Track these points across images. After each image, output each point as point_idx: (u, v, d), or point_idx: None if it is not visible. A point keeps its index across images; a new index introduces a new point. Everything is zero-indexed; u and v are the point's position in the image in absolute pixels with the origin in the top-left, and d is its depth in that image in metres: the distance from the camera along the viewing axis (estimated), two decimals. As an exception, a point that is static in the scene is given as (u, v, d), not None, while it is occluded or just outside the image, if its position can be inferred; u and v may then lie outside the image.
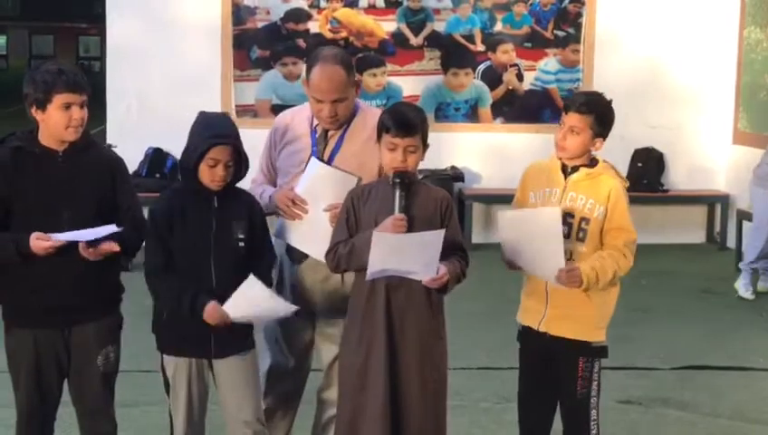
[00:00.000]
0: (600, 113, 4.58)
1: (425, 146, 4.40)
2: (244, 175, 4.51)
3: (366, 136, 4.71)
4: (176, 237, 4.40)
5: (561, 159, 4.64)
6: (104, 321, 4.54)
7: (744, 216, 10.71)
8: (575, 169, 4.61)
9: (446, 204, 4.45)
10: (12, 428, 4.65)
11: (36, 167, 4.37)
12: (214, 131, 4.39)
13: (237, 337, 4.50)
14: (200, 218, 4.42)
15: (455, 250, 4.41)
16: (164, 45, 11.57)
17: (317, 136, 4.83)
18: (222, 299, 4.32)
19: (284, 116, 5.05)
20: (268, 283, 4.50)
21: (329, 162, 4.76)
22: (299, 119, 4.92)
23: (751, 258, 9.73)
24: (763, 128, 11.40)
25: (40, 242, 4.24)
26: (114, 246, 4.33)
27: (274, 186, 4.92)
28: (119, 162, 4.61)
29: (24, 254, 4.27)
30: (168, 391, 4.57)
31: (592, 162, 4.65)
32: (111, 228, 4.31)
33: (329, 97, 4.66)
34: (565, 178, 4.62)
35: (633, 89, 11.78)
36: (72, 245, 4.29)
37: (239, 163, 4.43)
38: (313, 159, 4.73)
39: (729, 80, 12.06)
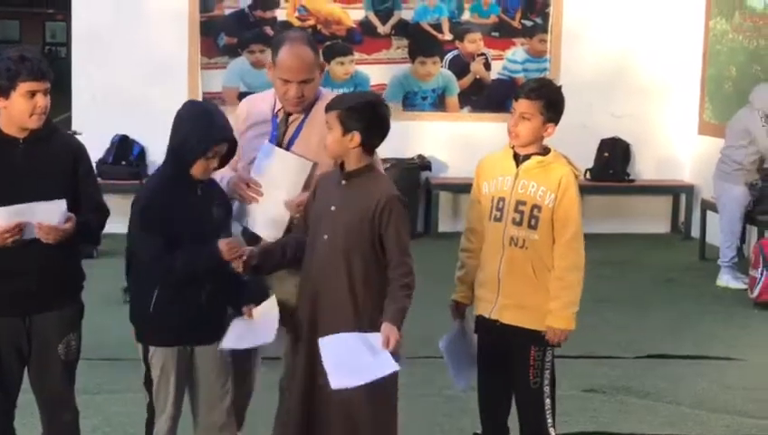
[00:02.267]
0: (549, 98, 4.63)
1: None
2: (227, 162, 4.57)
3: (325, 122, 4.73)
4: (166, 227, 4.36)
5: (513, 147, 4.70)
6: (66, 309, 4.52)
7: (708, 206, 10.79)
8: (527, 157, 4.66)
9: (382, 205, 4.35)
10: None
11: None
12: (216, 127, 4.41)
13: (220, 326, 4.51)
14: (189, 208, 4.41)
15: (396, 262, 4.35)
16: (130, 32, 11.51)
17: (278, 121, 4.84)
18: (211, 286, 4.41)
19: (246, 102, 5.08)
20: None
21: (288, 147, 4.78)
22: (261, 104, 4.93)
23: (730, 256, 9.79)
24: (728, 119, 11.45)
25: None
26: (69, 226, 4.30)
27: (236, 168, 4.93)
28: (80, 149, 4.57)
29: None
30: (147, 383, 4.51)
31: (545, 151, 4.69)
32: (62, 206, 4.28)
33: (297, 77, 4.67)
34: (517, 166, 4.67)
35: (600, 79, 11.86)
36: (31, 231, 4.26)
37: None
38: (267, 143, 4.76)
39: (695, 71, 12.14)
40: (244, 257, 4.37)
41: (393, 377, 4.43)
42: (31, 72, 4.27)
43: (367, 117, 4.40)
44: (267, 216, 4.76)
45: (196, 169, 4.39)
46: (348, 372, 4.25)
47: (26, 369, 4.55)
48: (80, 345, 4.62)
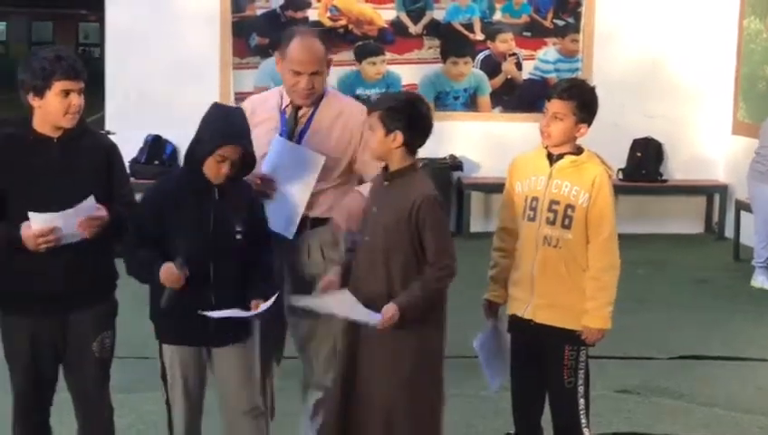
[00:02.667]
0: (582, 99, 4.62)
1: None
2: (248, 173, 4.52)
3: (334, 117, 4.82)
4: (167, 224, 4.39)
5: (546, 147, 4.69)
6: (99, 307, 4.54)
7: (742, 206, 10.72)
8: (560, 157, 4.64)
9: (418, 205, 4.31)
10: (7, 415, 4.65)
11: (31, 154, 4.35)
12: (228, 129, 4.38)
13: (237, 325, 4.48)
14: (198, 209, 4.40)
15: (432, 262, 4.33)
16: (163, 32, 11.56)
17: (287, 117, 4.89)
18: (221, 291, 4.39)
19: (250, 101, 5.15)
20: (268, 273, 4.53)
21: (298, 142, 4.84)
22: (267, 102, 5.00)
23: (765, 256, 9.71)
24: (762, 118, 11.37)
25: (27, 230, 4.24)
26: (102, 212, 4.32)
27: None
28: (113, 148, 4.60)
29: (17, 245, 4.27)
30: (164, 380, 4.57)
31: (578, 150, 4.67)
32: (91, 202, 4.29)
33: (308, 69, 4.75)
34: (551, 166, 4.65)
35: (632, 79, 11.79)
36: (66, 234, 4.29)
37: (245, 160, 4.43)
38: (277, 138, 4.78)
39: (728, 70, 12.06)
40: (181, 283, 4.31)
41: (437, 386, 4.49)
42: (66, 71, 4.29)
43: (408, 116, 4.36)
44: (281, 211, 4.78)
45: (208, 170, 4.38)
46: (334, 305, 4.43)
47: (62, 367, 4.58)
48: (114, 343, 4.64)
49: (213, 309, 4.39)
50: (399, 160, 4.41)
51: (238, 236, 4.44)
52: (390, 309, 4.29)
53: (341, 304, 4.40)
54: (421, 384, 4.45)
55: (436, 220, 4.35)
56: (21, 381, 4.52)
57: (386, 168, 4.47)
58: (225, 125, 4.40)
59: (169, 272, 4.30)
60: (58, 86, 4.28)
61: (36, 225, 4.24)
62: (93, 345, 4.52)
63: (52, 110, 4.31)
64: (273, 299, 4.41)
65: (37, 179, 4.34)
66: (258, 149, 4.80)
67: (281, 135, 4.84)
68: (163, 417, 4.68)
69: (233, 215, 4.45)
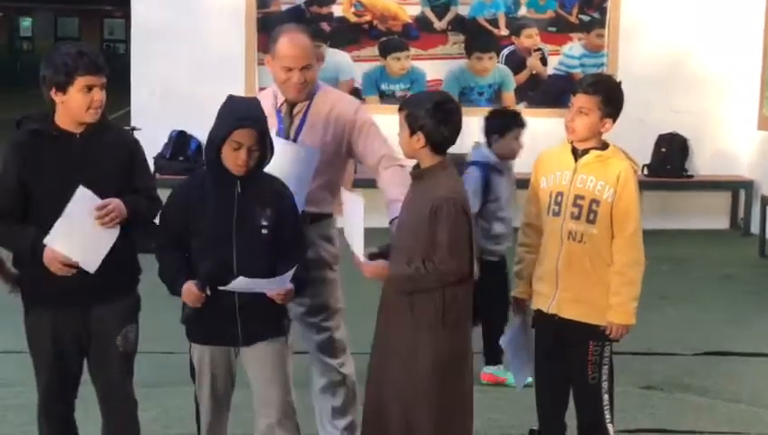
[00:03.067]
0: (607, 94, 4.61)
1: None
2: (269, 161, 4.46)
3: (327, 112, 4.86)
4: (194, 220, 4.37)
5: (572, 142, 4.69)
6: (122, 301, 4.55)
7: None
8: (585, 152, 4.64)
9: (436, 206, 4.27)
10: (23, 408, 4.66)
11: (54, 149, 4.36)
12: (241, 113, 4.34)
13: (267, 323, 4.46)
14: (222, 203, 4.36)
15: (438, 260, 4.27)
16: (188, 28, 11.60)
17: (282, 115, 4.94)
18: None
19: None
20: (298, 272, 4.36)
21: (295, 138, 4.89)
22: (263, 103, 4.93)
23: None
24: (788, 114, 11.36)
25: (49, 253, 4.28)
26: (121, 207, 4.34)
27: None
28: (135, 144, 4.62)
29: (38, 257, 4.30)
30: (193, 378, 4.58)
31: (603, 145, 4.67)
32: (82, 192, 4.29)
33: (299, 63, 4.82)
34: (576, 161, 4.65)
35: (658, 74, 11.74)
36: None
37: (264, 149, 4.39)
38: (274, 137, 4.81)
39: (755, 65, 11.99)
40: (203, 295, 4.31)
41: (460, 394, 4.47)
42: (88, 66, 4.30)
43: (432, 117, 4.36)
44: None
45: (226, 160, 4.32)
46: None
47: (86, 361, 4.60)
48: (137, 337, 4.65)
49: (237, 313, 4.36)
50: (426, 160, 4.42)
51: (264, 231, 4.37)
52: (381, 265, 4.42)
53: (353, 210, 4.49)
54: (440, 390, 4.39)
55: (450, 223, 4.28)
56: (45, 376, 4.54)
57: (416, 166, 4.49)
58: (237, 110, 4.38)
59: (190, 292, 4.30)
60: (81, 81, 4.29)
61: (54, 245, 4.26)
62: (117, 339, 4.53)
63: (74, 105, 4.32)
64: (291, 272, 4.29)
65: (60, 175, 4.35)
66: None
67: (278, 134, 4.87)
68: (188, 411, 4.71)
69: (257, 208, 4.38)
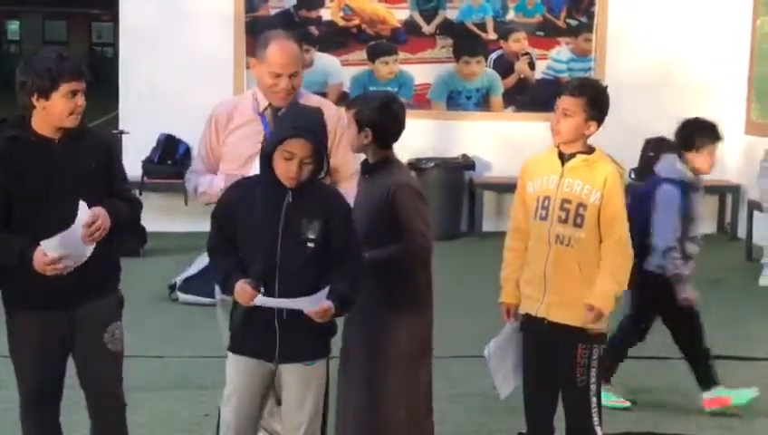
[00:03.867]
0: (592, 96, 4.64)
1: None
2: (326, 175, 4.34)
3: None
4: (240, 225, 4.24)
5: (558, 145, 4.71)
6: (106, 299, 4.54)
7: (755, 206, 10.71)
8: (572, 156, 4.66)
9: (392, 193, 4.59)
10: (8, 412, 4.61)
11: (33, 155, 4.34)
12: (295, 123, 4.21)
13: (308, 341, 4.28)
14: (269, 212, 4.19)
15: (404, 238, 4.58)
16: (177, 32, 11.60)
17: (267, 119, 4.94)
18: (287, 294, 4.16)
19: (226, 104, 5.17)
20: (348, 298, 4.25)
21: None
22: (242, 106, 5.06)
23: None
24: (776, 118, 11.40)
25: (40, 257, 4.24)
26: (102, 220, 4.31)
27: (215, 172, 4.99)
28: (113, 146, 4.63)
29: (26, 264, 4.27)
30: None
31: (590, 150, 4.69)
32: (84, 209, 4.29)
33: (288, 70, 4.86)
34: (562, 165, 4.67)
35: (645, 78, 11.78)
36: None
37: (320, 162, 4.22)
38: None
39: (741, 70, 12.04)
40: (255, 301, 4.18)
41: (427, 369, 4.79)
42: (72, 72, 4.29)
43: (379, 116, 4.65)
44: None
45: (277, 169, 4.17)
46: None
47: (74, 363, 4.58)
48: (123, 336, 4.61)
49: (277, 327, 4.22)
50: (373, 155, 4.71)
51: (310, 244, 4.18)
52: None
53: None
54: (410, 368, 4.73)
55: (408, 204, 4.61)
56: (29, 379, 4.51)
57: (365, 161, 4.76)
58: (292, 119, 4.26)
59: (243, 290, 4.13)
60: (65, 87, 4.28)
61: (50, 252, 4.24)
62: (104, 336, 4.52)
63: (56, 111, 4.30)
64: (325, 291, 4.14)
65: (42, 181, 4.33)
66: (240, 152, 4.87)
67: (266, 137, 4.82)
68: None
69: (305, 220, 4.18)
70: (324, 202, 4.27)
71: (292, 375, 4.29)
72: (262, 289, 4.14)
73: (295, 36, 5.08)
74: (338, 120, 4.96)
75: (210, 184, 4.89)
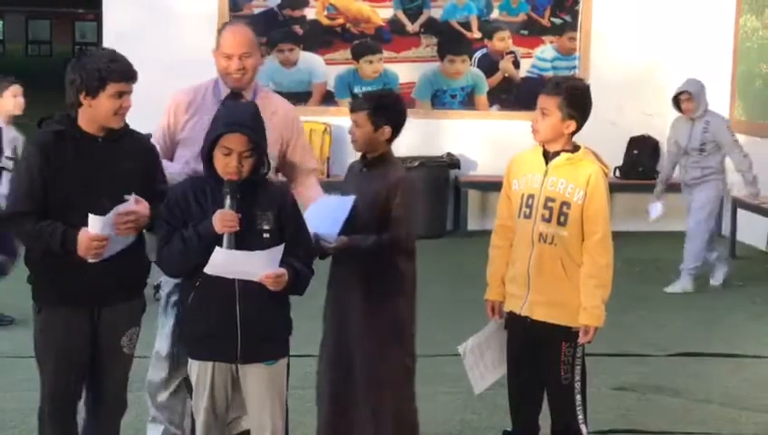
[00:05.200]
0: (568, 95, 4.63)
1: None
2: (268, 169, 4.39)
3: (270, 115, 4.85)
4: (194, 222, 4.26)
5: (541, 144, 4.73)
6: (131, 303, 4.59)
7: (738, 204, 10.74)
8: (556, 154, 4.67)
9: (395, 186, 4.81)
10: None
11: (77, 151, 4.42)
12: (231, 119, 4.28)
13: (268, 341, 4.35)
14: (221, 206, 4.22)
15: (391, 229, 4.80)
16: (161, 31, 11.57)
17: None
18: (246, 292, 4.22)
19: (187, 91, 5.29)
20: (304, 275, 4.33)
21: None
22: (202, 93, 5.20)
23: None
24: (759, 116, 11.44)
25: (84, 234, 4.26)
26: (139, 206, 4.35)
27: (171, 158, 5.11)
28: (153, 150, 4.71)
29: (69, 249, 4.29)
30: (188, 388, 4.53)
31: (574, 148, 4.70)
32: (131, 201, 4.33)
33: (237, 50, 5.02)
34: (546, 163, 4.69)
35: (629, 77, 11.82)
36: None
37: (260, 156, 4.28)
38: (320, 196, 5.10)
39: (725, 68, 12.07)
40: (236, 229, 4.21)
41: (410, 354, 5.00)
42: (122, 73, 4.41)
43: (394, 112, 4.95)
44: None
45: (217, 166, 4.25)
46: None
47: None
48: (137, 341, 4.68)
49: (238, 328, 4.25)
50: (379, 150, 4.91)
51: (266, 235, 4.25)
52: (344, 239, 4.74)
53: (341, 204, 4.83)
54: (393, 354, 4.91)
55: (405, 199, 4.82)
56: (53, 376, 4.52)
57: (363, 156, 4.95)
58: (226, 116, 4.33)
59: (223, 215, 4.16)
60: (113, 88, 4.38)
61: (94, 228, 4.26)
62: (123, 340, 4.57)
63: (102, 110, 4.39)
64: (279, 249, 4.19)
65: (81, 177, 4.40)
66: (198, 137, 4.78)
67: None
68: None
69: (258, 213, 4.27)
70: (274, 194, 4.39)
71: (253, 376, 4.35)
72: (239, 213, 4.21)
73: (249, 24, 5.32)
74: (297, 121, 5.19)
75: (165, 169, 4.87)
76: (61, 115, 4.49)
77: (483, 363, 4.97)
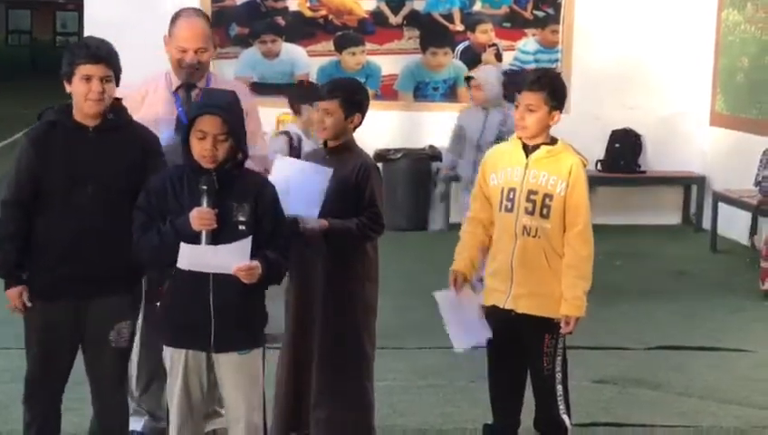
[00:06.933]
0: (552, 87, 4.71)
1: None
2: (245, 157, 4.35)
3: None
4: (171, 213, 4.25)
5: (521, 138, 4.75)
6: (120, 297, 4.56)
7: (719, 197, 10.77)
8: (536, 147, 4.69)
9: (360, 171, 4.92)
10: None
11: (66, 141, 4.43)
12: (205, 101, 4.30)
13: (242, 331, 4.34)
14: (197, 197, 4.21)
15: (366, 209, 4.91)
16: (143, 22, 11.47)
17: (181, 99, 5.03)
18: (220, 281, 4.20)
19: (138, 85, 5.19)
20: (278, 265, 4.31)
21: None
22: (154, 85, 5.13)
23: None
24: (740, 110, 11.46)
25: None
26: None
27: None
28: (152, 143, 4.63)
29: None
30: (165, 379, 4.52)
31: (552, 141, 4.74)
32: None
33: (193, 45, 4.97)
34: (527, 157, 4.70)
35: (611, 70, 11.81)
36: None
37: (237, 141, 4.25)
38: (283, 157, 5.04)
39: (707, 62, 12.10)
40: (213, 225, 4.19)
41: (371, 337, 5.11)
42: (86, 55, 4.38)
43: (362, 101, 5.08)
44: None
45: (194, 152, 4.21)
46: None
47: (82, 355, 4.63)
48: (133, 334, 4.68)
49: (211, 315, 4.25)
50: (344, 137, 5.01)
51: (241, 227, 4.22)
52: (323, 221, 4.82)
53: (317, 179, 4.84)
54: (359, 336, 5.03)
55: (375, 184, 4.95)
56: (34, 364, 4.56)
57: (325, 143, 5.04)
58: (201, 101, 4.37)
59: (200, 213, 4.14)
60: (81, 70, 4.37)
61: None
62: (110, 333, 4.55)
63: (76, 96, 4.41)
64: (248, 241, 4.17)
65: (69, 166, 4.40)
66: (149, 117, 4.88)
67: (179, 115, 4.95)
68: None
69: (234, 204, 4.24)
70: (252, 184, 4.34)
71: (227, 365, 4.35)
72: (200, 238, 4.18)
73: (204, 14, 5.26)
74: (251, 107, 5.01)
75: None
76: (60, 106, 4.52)
77: (459, 318, 4.86)
